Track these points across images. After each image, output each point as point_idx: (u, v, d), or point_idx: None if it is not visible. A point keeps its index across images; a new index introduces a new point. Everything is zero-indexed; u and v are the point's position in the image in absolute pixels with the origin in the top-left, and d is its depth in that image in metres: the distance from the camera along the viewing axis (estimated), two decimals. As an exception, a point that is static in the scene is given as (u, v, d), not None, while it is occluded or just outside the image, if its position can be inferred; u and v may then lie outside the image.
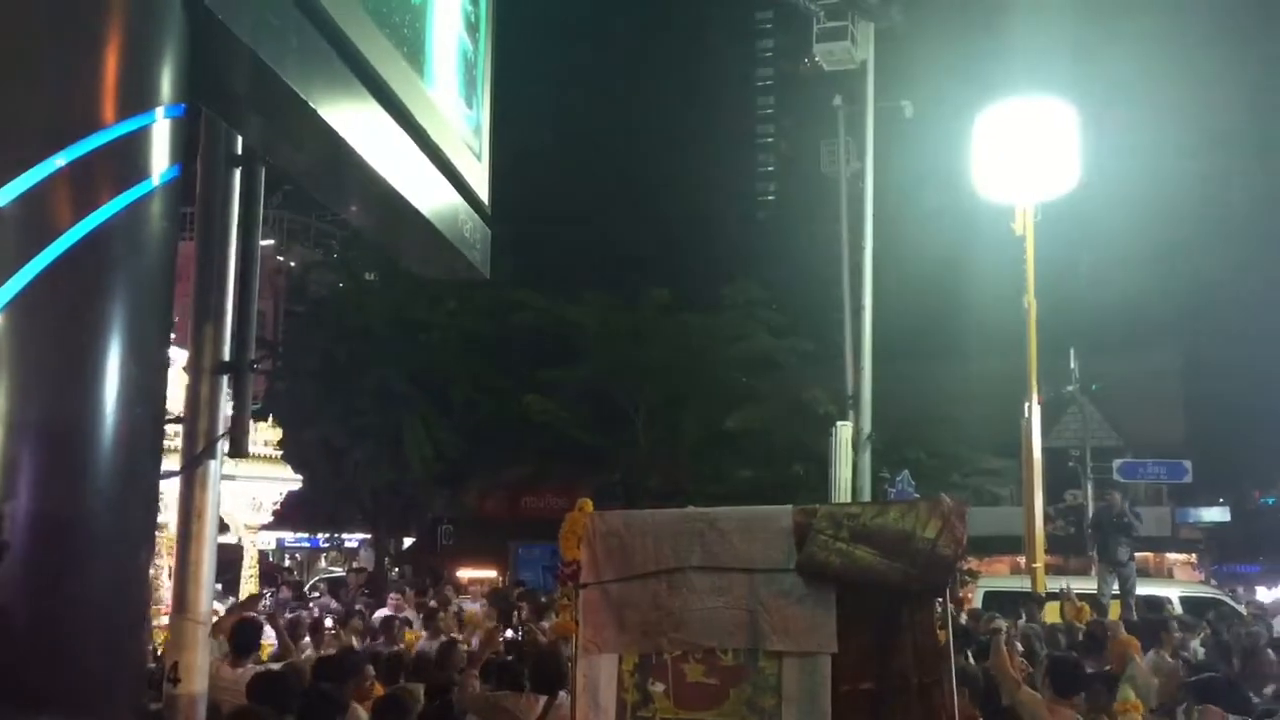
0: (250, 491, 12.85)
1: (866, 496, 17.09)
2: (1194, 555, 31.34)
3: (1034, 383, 14.91)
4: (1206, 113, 36.01)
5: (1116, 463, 22.86)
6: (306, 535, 33.17)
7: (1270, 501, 35.23)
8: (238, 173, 4.60)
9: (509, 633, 9.79)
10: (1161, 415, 29.20)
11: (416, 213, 4.50)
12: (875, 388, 17.87)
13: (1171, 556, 30.65)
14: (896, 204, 23.75)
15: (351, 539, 33.03)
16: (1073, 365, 22.63)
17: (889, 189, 20.72)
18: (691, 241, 42.58)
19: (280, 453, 13.31)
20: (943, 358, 27.96)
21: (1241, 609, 15.40)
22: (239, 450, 4.93)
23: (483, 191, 5.37)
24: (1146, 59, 34.35)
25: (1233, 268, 33.41)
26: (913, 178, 26.29)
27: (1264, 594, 25.41)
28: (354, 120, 3.85)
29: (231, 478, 12.13)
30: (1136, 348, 29.54)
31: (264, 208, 4.81)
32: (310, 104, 3.48)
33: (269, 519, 13.34)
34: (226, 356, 4.72)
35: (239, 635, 7.19)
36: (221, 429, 4.72)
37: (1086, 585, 15.19)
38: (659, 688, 4.92)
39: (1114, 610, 13.58)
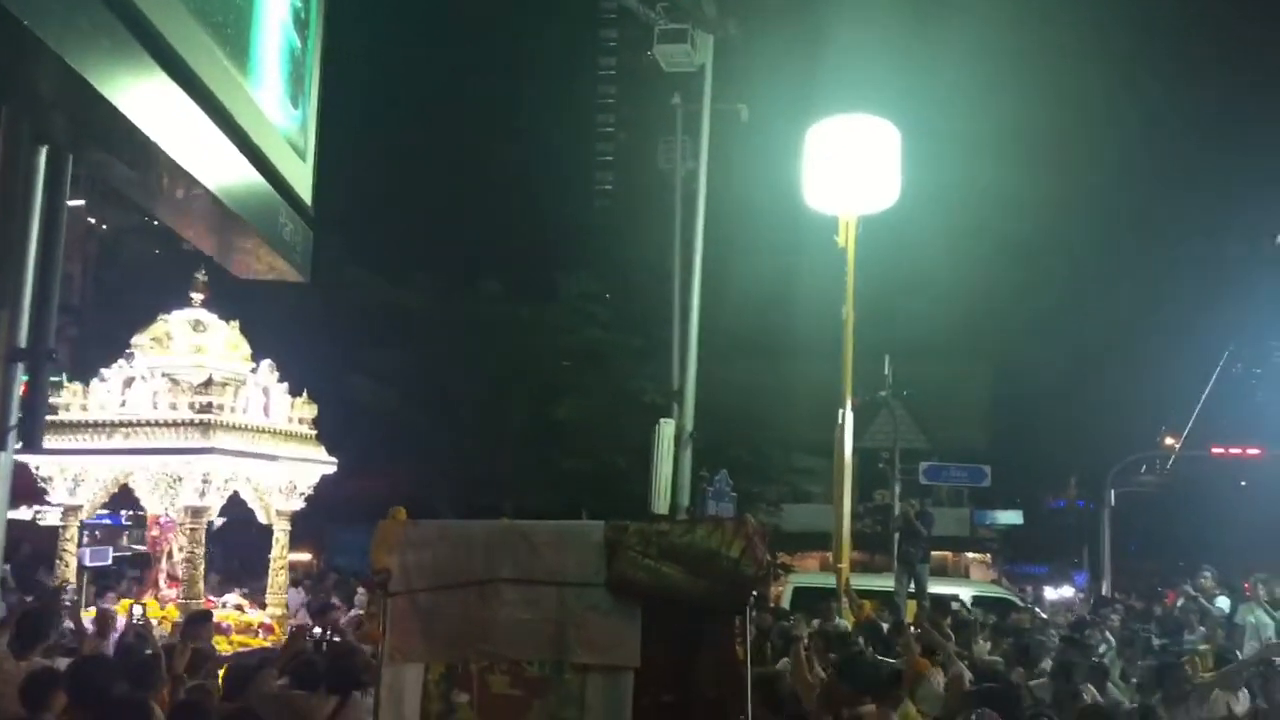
0: (289, 474, 11.92)
1: (686, 493, 17.43)
2: (989, 555, 33.17)
3: (849, 389, 15.46)
4: (1019, 133, 38.06)
5: (923, 465, 23.94)
6: (107, 511, 31.58)
7: (1061, 505, 37.61)
8: (43, 153, 4.37)
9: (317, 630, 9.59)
10: (967, 421, 30.80)
11: (233, 214, 4.39)
12: (701, 385, 18.19)
13: (969, 556, 32.37)
14: (731, 205, 24.20)
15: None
16: (887, 371, 23.55)
17: (724, 190, 21.12)
18: (528, 226, 42.46)
19: (315, 432, 12.33)
20: (768, 358, 28.65)
21: (1036, 610, 16.44)
22: (31, 443, 4.69)
23: (306, 192, 5.26)
24: (964, 82, 36.10)
25: (1037, 285, 35.46)
26: (747, 181, 26.83)
27: (1050, 593, 27.18)
28: (165, 120, 3.73)
29: (273, 458, 11.39)
30: (947, 357, 31.00)
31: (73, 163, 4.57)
32: (117, 105, 3.36)
33: (301, 505, 12.05)
34: (22, 343, 4.49)
35: (22, 627, 6.92)
36: (14, 419, 4.49)
37: (887, 583, 15.95)
38: (463, 699, 4.95)
39: (910, 609, 14.27)
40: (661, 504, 16.82)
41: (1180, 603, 14.57)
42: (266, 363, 11.56)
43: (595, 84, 62.26)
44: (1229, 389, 46.15)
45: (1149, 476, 37.35)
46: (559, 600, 4.98)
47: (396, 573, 5.09)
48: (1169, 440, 41.58)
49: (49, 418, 9.98)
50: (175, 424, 10.53)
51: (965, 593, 16.43)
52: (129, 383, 10.83)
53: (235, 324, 11.75)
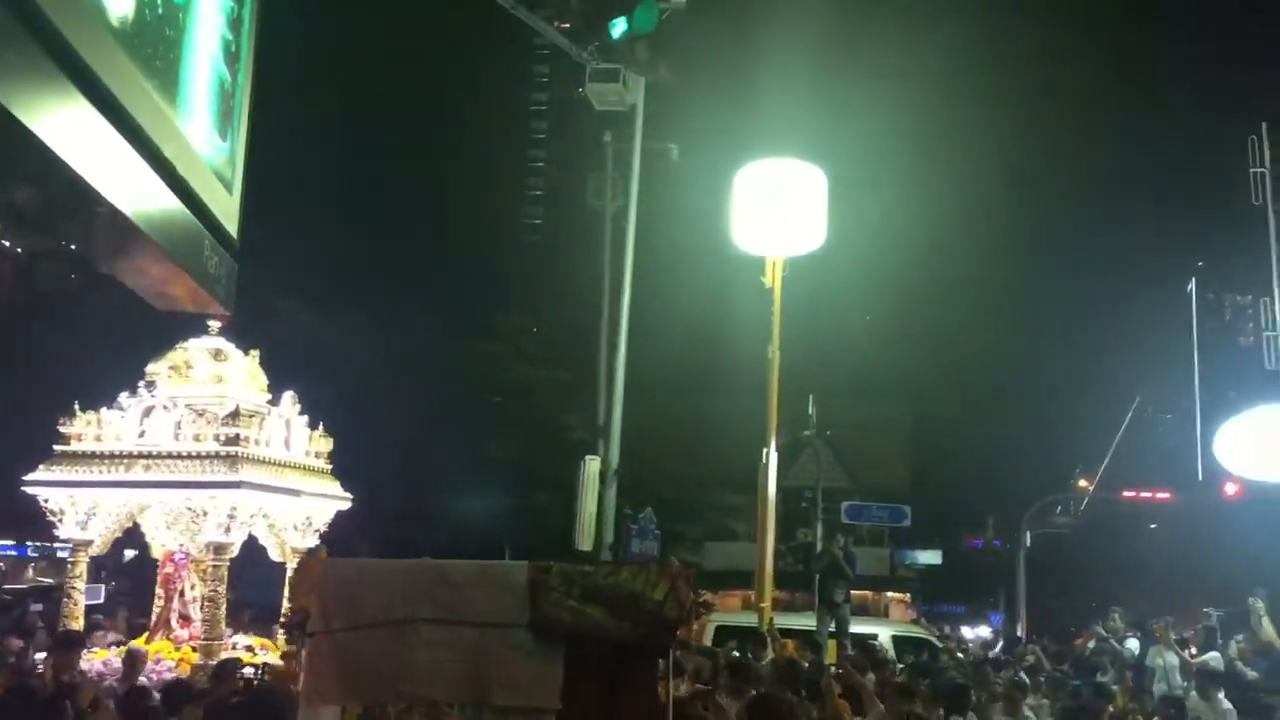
0: (306, 510, 11.44)
1: (610, 530, 17.39)
2: (908, 595, 33.51)
3: (773, 429, 15.57)
4: (942, 181, 39.02)
5: (845, 505, 24.16)
6: (12, 542, 30.59)
7: (979, 545, 38.21)
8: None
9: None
10: (888, 462, 31.20)
11: (155, 245, 4.33)
12: (628, 422, 18.21)
13: (889, 595, 32.67)
14: (660, 244, 24.37)
15: (64, 547, 30.62)
16: (811, 410, 23.79)
17: (654, 229, 21.25)
18: (460, 261, 42.31)
19: (330, 466, 11.76)
20: (696, 396, 28.81)
21: (955, 649, 16.62)
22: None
23: (232, 223, 5.20)
24: (890, 129, 36.97)
25: (957, 329, 36.21)
26: (676, 220, 27.05)
27: (968, 632, 27.51)
28: (87, 149, 3.67)
29: (296, 493, 10.92)
30: (869, 398, 31.47)
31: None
32: (37, 132, 3.31)
33: (315, 543, 11.40)
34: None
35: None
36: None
37: (809, 623, 16.01)
38: (381, 741, 4.88)
39: (831, 650, 14.33)
40: (585, 541, 16.77)
41: (1091, 644, 14.82)
42: (289, 394, 11.30)
43: (527, 119, 62.41)
44: (1141, 433, 47.30)
45: (1064, 518, 38.06)
46: (480, 641, 4.94)
47: (315, 612, 5.03)
48: (1083, 483, 42.49)
49: (61, 448, 9.68)
50: (201, 456, 10.19)
51: (885, 632, 16.56)
52: (148, 412, 10.40)
53: (255, 354, 11.47)
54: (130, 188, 4.15)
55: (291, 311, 23.59)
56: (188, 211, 4.68)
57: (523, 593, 4.97)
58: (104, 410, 10.50)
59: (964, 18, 44.51)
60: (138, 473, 10.21)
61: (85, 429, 10.36)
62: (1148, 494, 31.94)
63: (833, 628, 15.14)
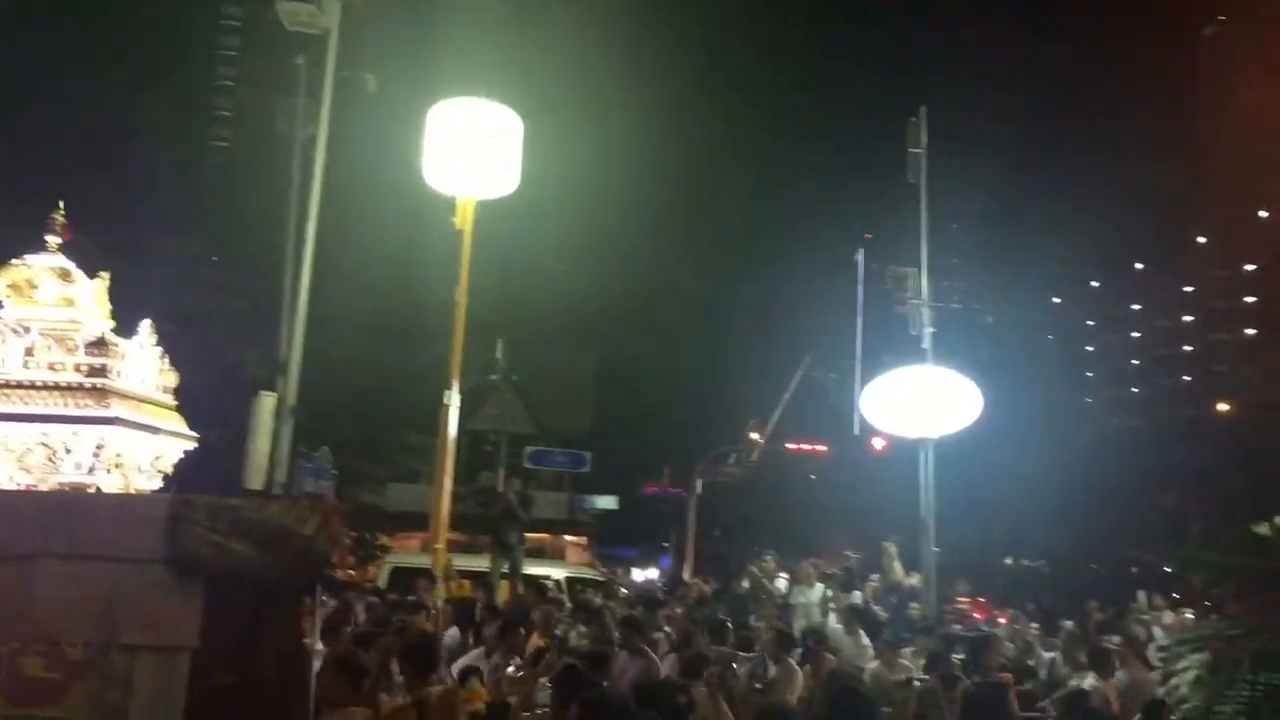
0: (156, 447, 9.61)
1: (284, 470, 16.81)
2: (585, 538, 34.61)
3: (457, 371, 15.56)
4: (636, 134, 40.03)
5: (528, 450, 24.58)
6: None
7: (656, 492, 39.92)
8: None
9: None
10: (572, 409, 31.90)
11: None
12: (310, 360, 17.59)
13: (567, 538, 33.58)
14: (353, 178, 23.58)
15: None
16: (499, 355, 23.94)
17: (347, 161, 20.50)
18: (138, 182, 39.22)
19: (176, 403, 10.11)
20: (384, 335, 28.21)
21: (618, 588, 17.36)
22: None
23: None
24: (588, 79, 37.49)
25: (642, 280, 37.44)
26: (372, 154, 26.24)
27: (638, 574, 28.78)
28: None
29: (155, 430, 9.14)
30: (557, 345, 31.99)
31: None
32: None
33: (159, 484, 9.99)
34: None
35: None
36: None
37: (486, 564, 16.26)
38: (-11, 683, 4.53)
39: (504, 588, 14.64)
40: (256, 480, 16.14)
41: (746, 584, 15.90)
42: (146, 323, 9.96)
43: (216, 34, 58.41)
44: (810, 390, 50.84)
45: (735, 468, 40.40)
46: (113, 577, 4.69)
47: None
48: (755, 435, 45.25)
49: None
50: (66, 387, 8.76)
51: (558, 573, 17.10)
52: None
53: (105, 276, 9.98)
54: None
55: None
56: None
57: (162, 527, 4.74)
58: None
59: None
60: None
61: None
62: (808, 446, 34.48)
63: (507, 568, 15.43)
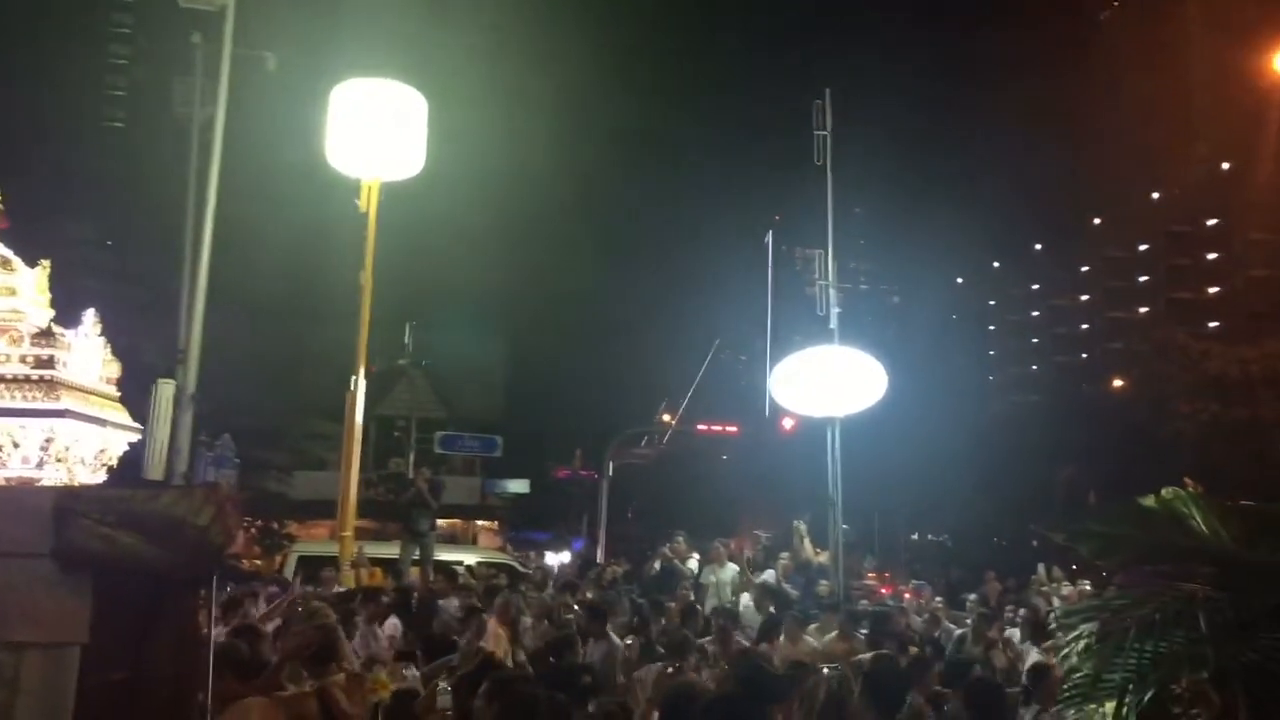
0: (103, 440, 8.91)
1: (184, 459, 16.42)
2: (497, 523, 34.46)
3: (362, 356, 15.35)
4: (545, 122, 39.83)
5: (439, 435, 24.36)
6: None
7: (567, 475, 39.88)
8: None
9: None
10: (483, 393, 31.70)
11: None
12: (212, 347, 17.18)
13: (479, 523, 33.40)
14: (253, 159, 23.05)
15: None
16: (407, 340, 23.67)
17: (247, 142, 20.04)
18: (29, 164, 37.78)
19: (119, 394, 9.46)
20: (288, 320, 27.69)
21: (529, 572, 17.30)
22: None
23: None
24: (495, 58, 37.17)
25: (554, 264, 37.34)
26: (273, 135, 25.67)
27: (551, 558, 28.70)
28: None
29: (103, 423, 8.47)
30: (467, 329, 31.71)
31: None
32: None
33: (104, 478, 9.32)
34: None
35: None
36: None
37: (392, 550, 16.10)
38: None
39: (415, 573, 14.52)
40: (156, 470, 15.74)
41: (658, 565, 15.96)
42: (90, 312, 9.38)
43: (109, 10, 56.45)
44: (721, 372, 51.23)
45: (647, 449, 40.53)
46: (-4, 574, 4.51)
47: None
48: (666, 417, 45.48)
49: None
50: (13, 380, 8.24)
51: (470, 559, 16.97)
52: None
53: (46, 264, 9.39)
54: None
55: None
56: None
57: (47, 520, 4.57)
58: None
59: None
60: None
61: None
62: (719, 427, 34.75)
63: (418, 555, 15.29)
